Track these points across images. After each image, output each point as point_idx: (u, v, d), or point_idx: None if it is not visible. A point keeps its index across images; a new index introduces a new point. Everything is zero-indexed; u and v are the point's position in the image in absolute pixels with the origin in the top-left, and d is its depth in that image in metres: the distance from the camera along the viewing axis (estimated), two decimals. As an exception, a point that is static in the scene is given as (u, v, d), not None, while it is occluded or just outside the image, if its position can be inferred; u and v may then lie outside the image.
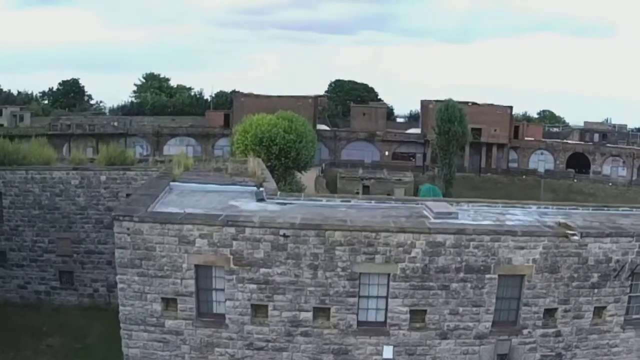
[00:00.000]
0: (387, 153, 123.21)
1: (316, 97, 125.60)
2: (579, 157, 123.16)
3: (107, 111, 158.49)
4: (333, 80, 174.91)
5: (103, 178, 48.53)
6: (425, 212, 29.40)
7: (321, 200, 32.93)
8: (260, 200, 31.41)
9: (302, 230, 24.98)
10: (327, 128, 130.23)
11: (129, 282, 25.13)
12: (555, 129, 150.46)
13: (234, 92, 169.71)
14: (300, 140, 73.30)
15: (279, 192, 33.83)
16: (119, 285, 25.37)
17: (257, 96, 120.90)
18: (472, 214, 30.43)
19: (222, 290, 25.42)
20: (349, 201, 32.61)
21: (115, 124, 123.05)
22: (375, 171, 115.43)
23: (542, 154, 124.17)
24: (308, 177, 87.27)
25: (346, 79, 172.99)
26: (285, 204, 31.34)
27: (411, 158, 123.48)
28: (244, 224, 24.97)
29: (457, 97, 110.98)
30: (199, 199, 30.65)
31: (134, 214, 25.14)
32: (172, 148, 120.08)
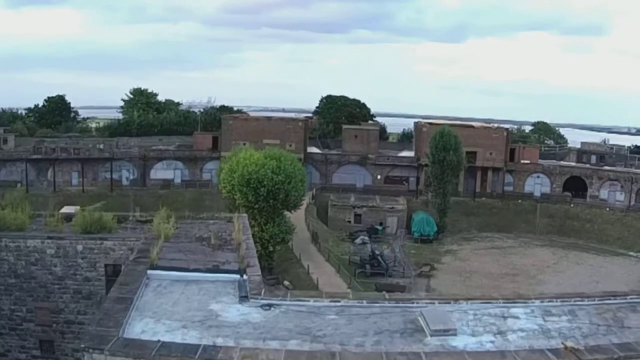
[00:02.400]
0: (379, 177, 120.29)
1: (306, 119, 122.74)
2: (576, 179, 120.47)
3: (93, 130, 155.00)
4: (324, 95, 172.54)
5: (80, 248, 45.26)
6: (421, 323, 26.32)
7: (308, 301, 29.84)
8: (244, 298, 28.51)
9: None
10: (318, 151, 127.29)
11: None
12: (551, 150, 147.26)
13: (222, 108, 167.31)
14: (289, 181, 70.62)
15: (263, 289, 30.80)
16: None
17: (246, 119, 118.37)
18: (471, 321, 27.28)
19: None
20: (339, 301, 29.58)
21: (101, 146, 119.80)
22: (367, 197, 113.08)
23: (538, 177, 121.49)
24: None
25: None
26: (269, 306, 28.36)
27: (404, 182, 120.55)
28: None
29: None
30: (178, 299, 27.62)
31: (104, 344, 22.05)
32: (160, 172, 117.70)
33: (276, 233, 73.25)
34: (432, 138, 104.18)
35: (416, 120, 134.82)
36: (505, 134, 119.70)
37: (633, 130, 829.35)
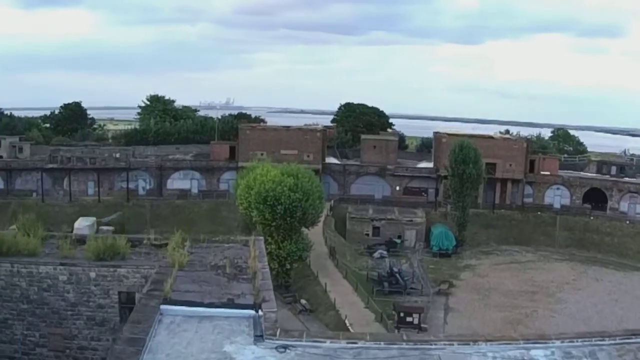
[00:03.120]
0: (398, 188, 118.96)
1: (324, 129, 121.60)
2: (596, 191, 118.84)
3: (110, 138, 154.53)
4: (343, 103, 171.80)
5: (92, 275, 44.36)
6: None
7: (325, 342, 28.92)
8: (259, 338, 27.63)
9: None
10: (336, 161, 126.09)
11: None
12: (571, 160, 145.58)
13: (240, 115, 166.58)
14: (307, 199, 69.67)
15: (278, 329, 29.92)
16: None
17: (264, 129, 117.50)
18: (491, 363, 26.28)
19: None
20: (356, 343, 28.64)
21: (118, 155, 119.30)
22: (386, 209, 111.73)
23: (558, 188, 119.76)
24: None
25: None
26: (285, 348, 27.46)
27: (423, 193, 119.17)
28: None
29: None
30: (191, 339, 26.74)
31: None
32: (176, 182, 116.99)
33: (293, 251, 72.39)
34: (451, 151, 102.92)
35: (435, 130, 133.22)
36: (525, 145, 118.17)
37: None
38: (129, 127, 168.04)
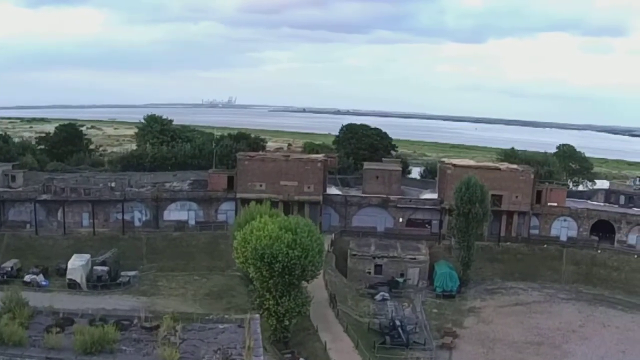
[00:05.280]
0: (401, 220, 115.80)
1: (325, 159, 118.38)
2: (604, 221, 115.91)
3: (105, 162, 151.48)
4: (344, 124, 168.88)
5: (79, 372, 41.68)
6: None
7: None
8: None
9: None
10: (338, 192, 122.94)
11: None
12: (577, 188, 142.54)
13: (239, 136, 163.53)
14: (305, 256, 66.42)
15: None
16: None
17: (263, 160, 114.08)
18: None
19: None
20: None
21: (113, 184, 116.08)
22: (388, 242, 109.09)
23: (565, 220, 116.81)
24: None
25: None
26: None
27: (427, 225, 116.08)
28: None
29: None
30: None
31: None
32: (173, 213, 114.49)
33: (292, 307, 69.25)
34: (457, 189, 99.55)
35: (440, 159, 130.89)
36: (532, 176, 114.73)
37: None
38: (125, 149, 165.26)
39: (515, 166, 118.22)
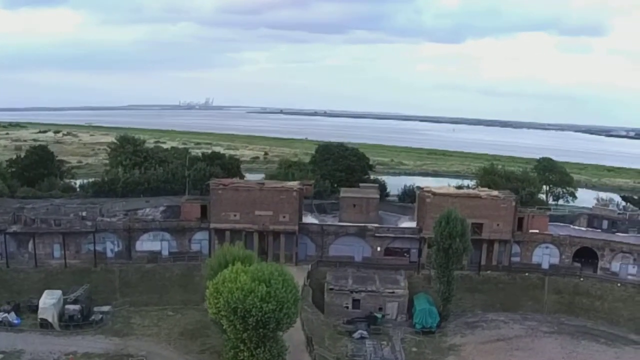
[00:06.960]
0: (379, 249, 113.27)
1: (301, 188, 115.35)
2: (587, 248, 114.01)
3: (77, 187, 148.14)
4: (321, 144, 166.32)
5: None
6: None
7: None
8: None
9: None
10: (314, 221, 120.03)
11: None
12: (559, 213, 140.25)
13: (214, 155, 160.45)
14: (280, 309, 63.70)
15: None
16: None
17: (237, 189, 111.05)
18: None
19: None
20: None
21: (84, 213, 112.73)
22: (366, 274, 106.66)
23: (547, 247, 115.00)
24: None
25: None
26: None
27: (405, 254, 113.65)
28: None
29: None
30: None
31: None
32: (146, 244, 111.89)
33: (268, 358, 66.53)
34: (437, 222, 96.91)
35: (419, 186, 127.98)
36: (513, 203, 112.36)
37: (632, 134, 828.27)
38: (99, 160, 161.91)
39: (496, 193, 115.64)
